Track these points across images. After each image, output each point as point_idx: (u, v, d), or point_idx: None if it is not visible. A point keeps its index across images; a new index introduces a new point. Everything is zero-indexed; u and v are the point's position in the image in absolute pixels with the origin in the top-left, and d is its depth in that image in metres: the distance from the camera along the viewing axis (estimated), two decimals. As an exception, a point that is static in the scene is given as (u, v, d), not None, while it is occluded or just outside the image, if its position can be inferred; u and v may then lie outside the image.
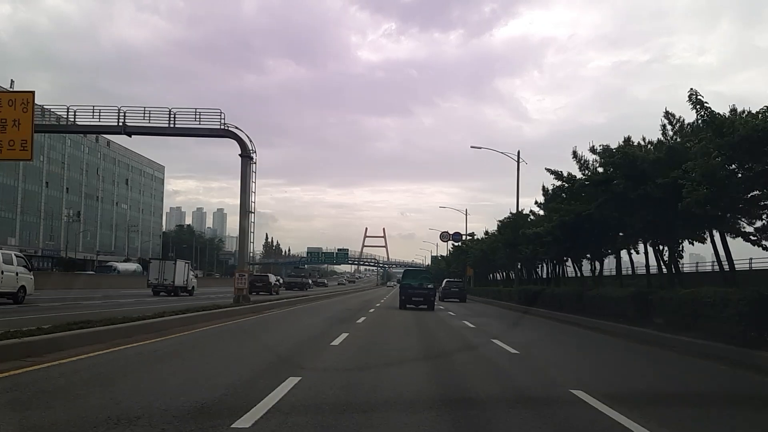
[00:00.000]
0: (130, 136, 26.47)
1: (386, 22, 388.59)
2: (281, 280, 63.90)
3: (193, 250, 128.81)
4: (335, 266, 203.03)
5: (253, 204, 26.04)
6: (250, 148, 25.63)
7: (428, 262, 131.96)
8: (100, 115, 25.58)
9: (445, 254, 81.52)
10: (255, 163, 25.93)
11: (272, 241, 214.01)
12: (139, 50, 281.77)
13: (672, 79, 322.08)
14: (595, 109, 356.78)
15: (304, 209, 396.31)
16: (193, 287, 38.06)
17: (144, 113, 25.33)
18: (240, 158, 25.69)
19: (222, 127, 25.18)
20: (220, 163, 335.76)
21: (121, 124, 25.54)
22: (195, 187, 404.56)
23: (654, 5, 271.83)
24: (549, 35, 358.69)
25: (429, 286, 28.46)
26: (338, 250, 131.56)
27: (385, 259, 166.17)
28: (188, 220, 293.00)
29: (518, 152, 34.21)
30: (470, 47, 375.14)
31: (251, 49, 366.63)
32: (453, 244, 66.34)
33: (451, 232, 65.37)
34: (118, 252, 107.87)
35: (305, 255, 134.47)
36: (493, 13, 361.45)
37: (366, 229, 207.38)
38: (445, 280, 47.81)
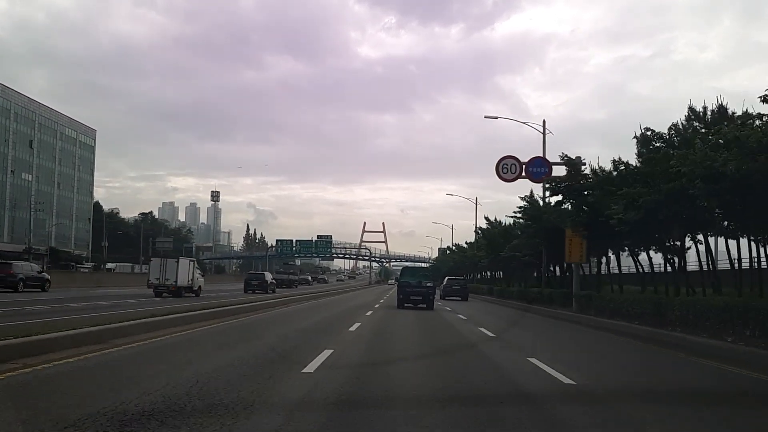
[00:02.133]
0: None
1: (385, 16, 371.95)
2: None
3: (141, 240, 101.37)
4: (332, 262, 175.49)
5: None
6: None
7: (435, 255, 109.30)
8: None
9: (477, 231, 53.07)
10: None
11: (254, 233, 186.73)
12: (136, 46, 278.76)
13: (673, 75, 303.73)
14: (595, 105, 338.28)
15: (303, 207, 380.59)
16: (199, 287, 34.54)
17: None
18: None
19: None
20: (219, 160, 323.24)
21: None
22: (195, 184, 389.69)
23: (655, 1, 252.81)
24: (550, 31, 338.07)
25: (428, 284, 28.33)
26: (318, 236, 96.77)
27: (384, 253, 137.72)
28: (181, 216, 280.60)
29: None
30: (471, 42, 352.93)
31: (249, 45, 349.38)
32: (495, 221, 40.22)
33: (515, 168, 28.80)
34: (16, 239, 79.38)
35: (273, 246, 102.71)
36: (495, 6, 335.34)
37: (364, 223, 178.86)
38: (446, 278, 46.77)
